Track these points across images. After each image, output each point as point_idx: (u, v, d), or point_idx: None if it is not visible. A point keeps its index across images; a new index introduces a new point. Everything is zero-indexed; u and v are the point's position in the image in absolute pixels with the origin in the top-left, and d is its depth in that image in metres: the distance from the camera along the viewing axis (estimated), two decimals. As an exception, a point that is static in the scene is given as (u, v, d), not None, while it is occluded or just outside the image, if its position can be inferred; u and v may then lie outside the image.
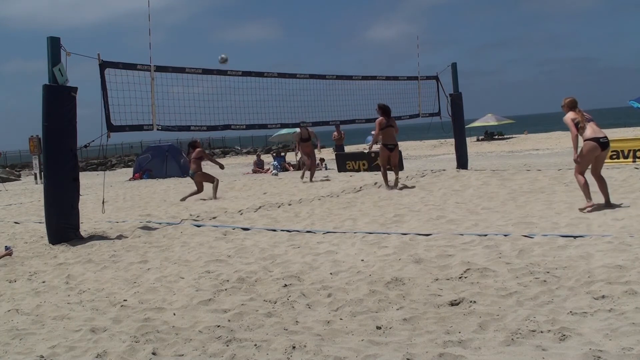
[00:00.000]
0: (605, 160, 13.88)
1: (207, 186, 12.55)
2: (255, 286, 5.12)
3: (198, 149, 12.63)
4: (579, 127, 7.59)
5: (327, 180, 14.63)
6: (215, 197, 12.15)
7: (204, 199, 12.13)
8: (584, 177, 7.70)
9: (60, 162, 7.78)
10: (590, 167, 7.79)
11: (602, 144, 7.57)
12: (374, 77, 13.85)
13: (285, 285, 5.05)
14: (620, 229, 6.25)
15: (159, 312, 4.55)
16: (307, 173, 14.84)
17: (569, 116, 7.71)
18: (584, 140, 7.59)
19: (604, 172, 7.95)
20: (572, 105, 7.78)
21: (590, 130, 7.58)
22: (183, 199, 12.32)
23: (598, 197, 7.79)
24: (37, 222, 9.53)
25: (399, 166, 12.31)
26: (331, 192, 11.63)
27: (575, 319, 3.79)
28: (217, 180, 12.62)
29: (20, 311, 4.81)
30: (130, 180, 22.00)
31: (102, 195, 10.49)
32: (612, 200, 7.84)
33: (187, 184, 16.66)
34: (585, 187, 7.66)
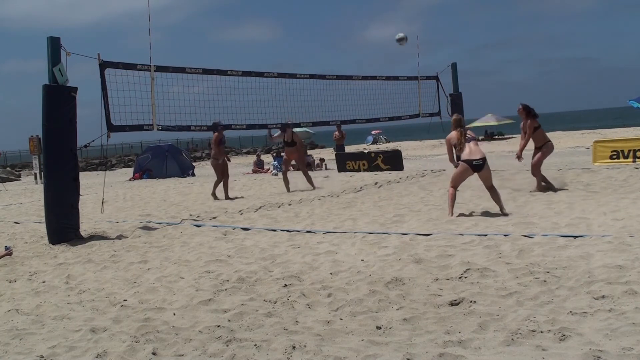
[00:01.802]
0: (605, 161, 13.98)
1: (209, 186, 12.51)
2: (255, 286, 5.11)
3: (216, 134, 11.78)
4: (458, 148, 7.96)
5: (327, 178, 14.62)
6: (226, 195, 11.93)
7: (211, 196, 12.10)
8: (454, 192, 8.04)
9: (60, 162, 7.79)
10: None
11: (475, 166, 7.84)
12: (374, 77, 13.87)
13: (285, 285, 5.05)
14: (620, 229, 6.25)
15: (159, 312, 4.55)
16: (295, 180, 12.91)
17: (450, 136, 8.12)
18: (460, 160, 7.93)
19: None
20: (456, 125, 8.13)
21: (467, 150, 7.87)
22: (227, 197, 11.83)
23: (492, 206, 8.02)
24: (37, 222, 9.54)
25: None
26: (331, 192, 11.63)
27: (575, 319, 3.79)
28: (217, 181, 12.16)
29: (20, 311, 4.81)
30: (130, 180, 22.00)
31: (102, 195, 10.47)
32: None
33: (187, 184, 16.68)
34: (451, 201, 7.99)
